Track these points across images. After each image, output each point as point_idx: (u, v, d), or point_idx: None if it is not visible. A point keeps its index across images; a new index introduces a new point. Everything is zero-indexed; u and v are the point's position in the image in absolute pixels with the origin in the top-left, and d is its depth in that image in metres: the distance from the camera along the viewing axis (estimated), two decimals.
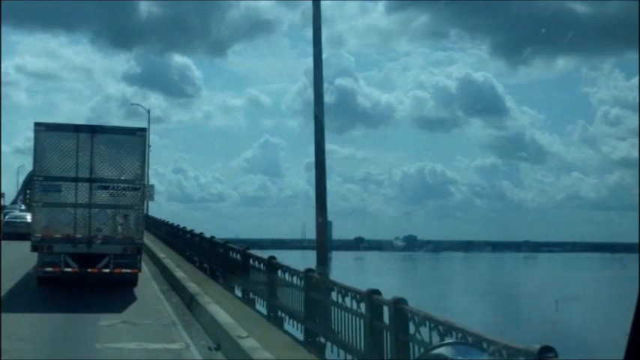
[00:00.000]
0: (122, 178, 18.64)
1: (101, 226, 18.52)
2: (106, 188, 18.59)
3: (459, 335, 6.01)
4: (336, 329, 9.94)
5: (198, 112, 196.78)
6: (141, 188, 19.26)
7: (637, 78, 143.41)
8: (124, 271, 18.67)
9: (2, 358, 10.52)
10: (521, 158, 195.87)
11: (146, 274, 22.89)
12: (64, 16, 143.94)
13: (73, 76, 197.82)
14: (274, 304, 13.61)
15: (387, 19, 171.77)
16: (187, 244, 26.71)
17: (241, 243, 21.02)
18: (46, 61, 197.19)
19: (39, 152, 18.47)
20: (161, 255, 26.66)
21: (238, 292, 16.92)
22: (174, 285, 19.63)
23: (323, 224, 11.66)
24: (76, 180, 18.42)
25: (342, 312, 9.62)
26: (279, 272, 13.37)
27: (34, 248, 18.52)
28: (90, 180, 18.46)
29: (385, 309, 8.10)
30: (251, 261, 15.94)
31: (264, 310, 14.34)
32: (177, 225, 30.99)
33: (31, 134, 18.86)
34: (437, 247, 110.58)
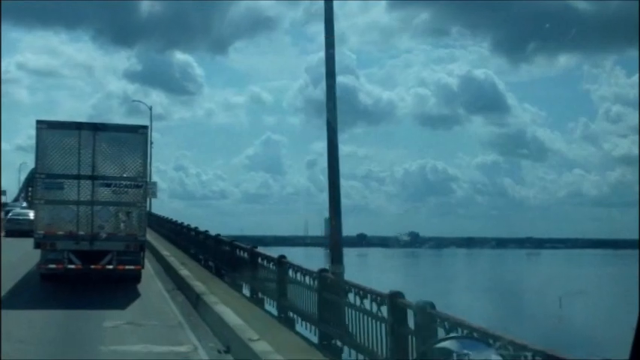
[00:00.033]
0: (124, 175, 18.68)
1: (104, 224, 18.56)
2: (108, 186, 18.60)
3: (498, 344, 5.53)
4: (353, 332, 9.45)
5: (199, 110, 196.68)
6: (143, 185, 19.25)
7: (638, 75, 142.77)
8: (127, 267, 18.71)
9: (2, 358, 10.23)
10: (522, 155, 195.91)
11: (150, 272, 22.52)
12: (65, 13, 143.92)
13: (74, 74, 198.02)
14: (285, 304, 13.11)
15: (389, 17, 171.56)
16: (191, 242, 26.24)
17: (246, 239, 20.85)
18: (47, 58, 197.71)
19: (41, 150, 18.50)
20: (165, 253, 26.18)
21: (246, 292, 16.44)
22: (179, 284, 19.16)
23: (337, 225, 11.15)
24: (78, 177, 18.44)
25: (361, 315, 9.12)
26: (290, 272, 12.87)
27: (37, 245, 18.56)
28: (92, 177, 18.49)
29: (410, 313, 7.61)
30: (259, 260, 15.44)
31: (274, 311, 13.86)
32: (182, 222, 30.56)
33: (33, 132, 18.91)
34: (440, 243, 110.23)
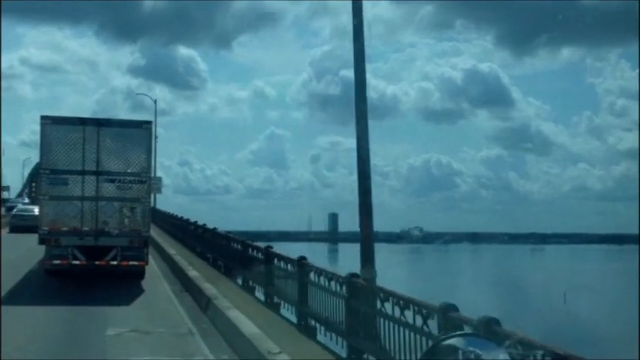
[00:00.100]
0: (128, 170, 18.67)
1: (108, 219, 18.53)
2: (112, 181, 18.57)
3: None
4: (389, 348, 8.36)
5: (203, 105, 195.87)
6: (147, 181, 19.27)
7: None
8: (131, 263, 18.68)
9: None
10: (526, 149, 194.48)
11: (156, 272, 21.56)
12: (68, 8, 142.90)
13: (78, 69, 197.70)
14: (305, 311, 12.01)
15: (392, 10, 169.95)
16: (199, 240, 25.16)
17: (250, 235, 20.55)
18: (50, 53, 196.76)
19: (45, 145, 18.48)
20: (171, 251, 25.12)
21: (259, 295, 15.35)
22: (186, 285, 18.11)
23: (369, 227, 10.07)
24: (82, 173, 18.42)
25: (400, 328, 8.02)
26: (312, 275, 11.76)
27: (41, 241, 18.58)
28: (96, 173, 18.47)
29: (467, 330, 6.50)
30: (275, 261, 14.34)
31: (291, 317, 12.77)
32: (188, 219, 29.50)
33: (37, 127, 18.95)
34: (453, 239, 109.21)
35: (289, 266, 13.25)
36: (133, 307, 15.55)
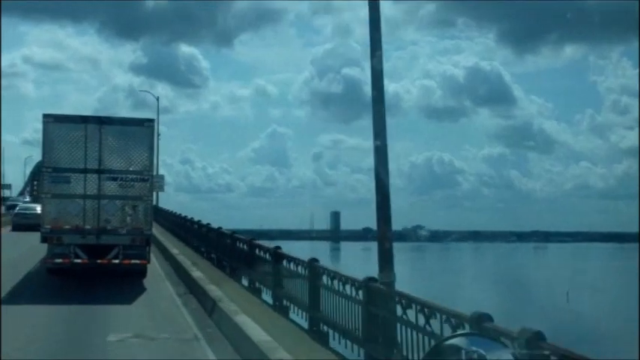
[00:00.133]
0: (130, 169, 18.59)
1: (110, 217, 18.46)
2: (114, 179, 18.48)
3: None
4: (411, 358, 7.80)
5: (205, 103, 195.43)
6: (149, 179, 19.13)
7: None
8: (132, 262, 18.60)
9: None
10: (529, 147, 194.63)
11: (159, 272, 21.06)
12: (70, 6, 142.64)
13: (80, 67, 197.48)
14: (317, 316, 11.47)
15: (394, 8, 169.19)
16: (203, 239, 24.62)
17: (253, 235, 20.18)
18: (52, 52, 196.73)
19: (47, 144, 18.43)
20: (174, 251, 24.55)
21: (267, 298, 14.79)
22: (191, 287, 17.53)
23: (388, 230, 9.51)
24: (84, 171, 18.33)
25: (426, 338, 7.46)
26: (324, 278, 11.19)
27: (43, 239, 18.55)
28: (98, 171, 18.37)
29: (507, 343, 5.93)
30: (284, 262, 13.78)
31: (301, 322, 12.24)
32: (192, 218, 28.95)
33: (39, 125, 19.00)
34: (458, 237, 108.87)
35: (300, 268, 12.69)
36: (136, 310, 15.02)
